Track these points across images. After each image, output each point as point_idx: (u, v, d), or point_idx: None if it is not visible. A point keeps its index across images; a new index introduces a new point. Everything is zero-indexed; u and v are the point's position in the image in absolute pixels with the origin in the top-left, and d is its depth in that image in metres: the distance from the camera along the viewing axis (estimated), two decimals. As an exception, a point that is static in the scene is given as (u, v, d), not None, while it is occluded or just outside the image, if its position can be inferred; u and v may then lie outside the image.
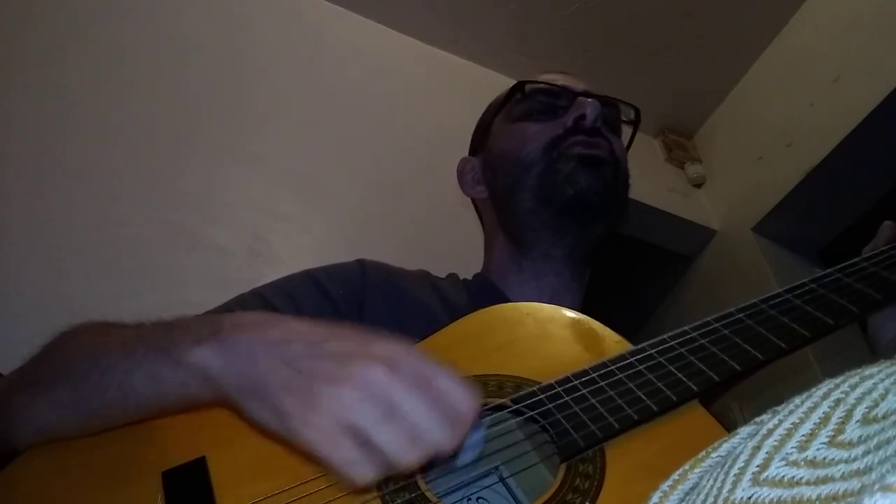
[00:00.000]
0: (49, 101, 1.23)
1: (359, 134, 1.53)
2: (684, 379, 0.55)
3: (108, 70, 1.31)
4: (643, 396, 0.54)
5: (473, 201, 0.99)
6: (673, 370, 0.56)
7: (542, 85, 0.90)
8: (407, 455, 0.41)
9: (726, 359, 0.57)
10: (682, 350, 0.58)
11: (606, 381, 0.56)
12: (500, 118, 0.93)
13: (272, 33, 1.56)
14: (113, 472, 0.51)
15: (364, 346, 0.44)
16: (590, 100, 0.84)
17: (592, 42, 1.82)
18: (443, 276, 0.90)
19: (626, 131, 0.94)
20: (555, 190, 0.80)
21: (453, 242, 1.31)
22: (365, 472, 0.41)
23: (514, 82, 0.93)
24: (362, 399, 0.41)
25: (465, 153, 1.02)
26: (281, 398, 0.43)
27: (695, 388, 0.55)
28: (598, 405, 0.54)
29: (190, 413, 0.52)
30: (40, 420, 0.52)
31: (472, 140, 1.00)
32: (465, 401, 0.44)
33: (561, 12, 1.74)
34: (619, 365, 0.58)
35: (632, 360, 0.58)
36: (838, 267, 0.66)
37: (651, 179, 1.91)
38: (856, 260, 0.67)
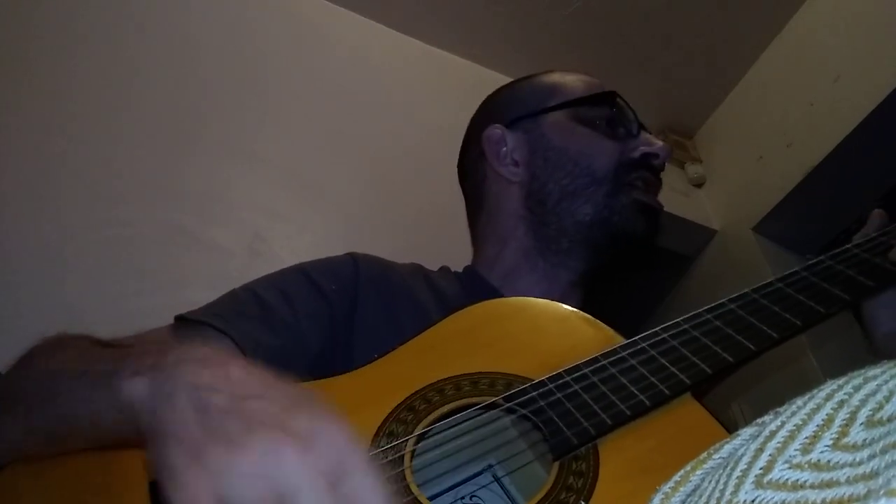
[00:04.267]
0: (50, 102, 1.23)
1: (359, 134, 1.53)
2: (677, 372, 0.55)
3: (110, 70, 1.31)
4: (636, 392, 0.54)
5: (483, 179, 0.90)
6: (665, 363, 0.56)
7: (622, 103, 0.86)
8: None
9: (719, 350, 0.56)
10: (675, 343, 0.58)
11: (598, 377, 0.55)
12: (564, 112, 0.86)
13: (273, 33, 1.56)
14: (100, 483, 0.50)
15: (288, 414, 0.38)
16: (661, 143, 0.84)
17: (592, 42, 1.82)
18: (435, 269, 0.89)
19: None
20: (611, 217, 0.80)
21: (453, 243, 1.31)
22: None
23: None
24: (252, 474, 0.35)
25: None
26: (170, 447, 0.37)
27: (687, 381, 0.54)
28: (590, 402, 0.53)
29: None
30: (7, 440, 0.52)
31: (510, 111, 0.90)
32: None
33: (561, 12, 1.74)
34: (610, 360, 0.57)
35: (623, 354, 0.58)
36: (830, 254, 0.65)
37: (651, 179, 1.91)
38: (847, 247, 0.66)
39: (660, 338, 0.59)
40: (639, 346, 0.58)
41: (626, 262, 0.84)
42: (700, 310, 0.61)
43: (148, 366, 0.44)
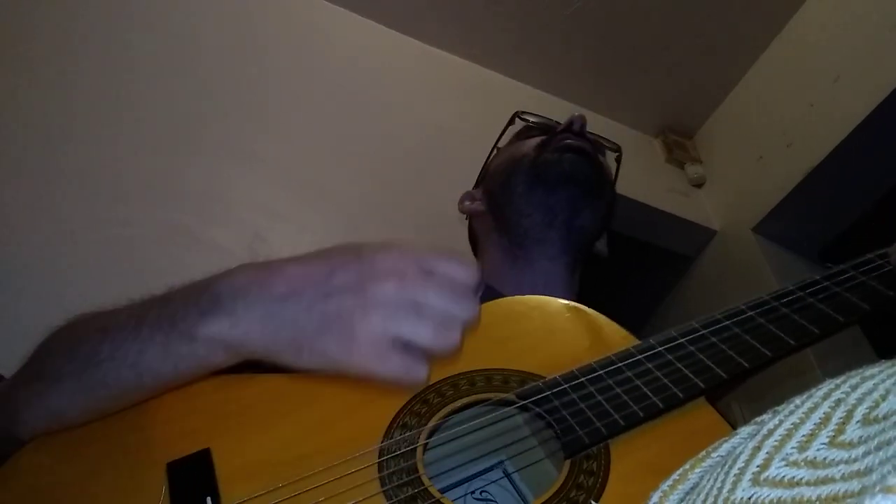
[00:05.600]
0: (51, 103, 1.23)
1: (359, 134, 1.53)
2: (691, 376, 0.55)
3: (110, 70, 1.31)
4: (649, 393, 0.54)
5: (469, 227, 1.04)
6: (680, 367, 0.56)
7: (534, 116, 1.02)
8: (447, 339, 0.47)
9: (734, 355, 0.56)
10: (690, 347, 0.58)
11: (612, 378, 0.56)
12: (499, 153, 1.02)
13: (273, 34, 1.56)
14: (117, 462, 0.51)
15: (366, 268, 0.48)
16: (577, 114, 0.95)
17: (592, 42, 1.82)
18: None
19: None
20: (544, 170, 0.87)
21: (453, 243, 1.31)
22: (420, 372, 0.46)
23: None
24: (390, 314, 0.46)
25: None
26: (319, 344, 0.46)
27: (701, 385, 0.54)
28: (603, 402, 0.53)
29: (195, 404, 0.53)
30: (54, 409, 0.52)
31: (476, 181, 1.08)
32: (466, 273, 0.49)
33: (561, 12, 1.74)
34: (625, 361, 0.57)
35: (638, 355, 0.58)
36: (851, 263, 0.65)
37: (651, 180, 1.91)
38: (869, 256, 0.66)
39: (675, 341, 0.59)
40: (653, 349, 0.58)
41: (585, 211, 0.88)
42: (716, 314, 0.61)
43: (209, 305, 0.49)
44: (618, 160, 1.02)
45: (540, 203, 0.86)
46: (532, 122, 1.02)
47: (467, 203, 1.01)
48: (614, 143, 1.03)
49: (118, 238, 1.15)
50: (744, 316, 0.60)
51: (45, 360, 0.55)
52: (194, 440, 0.51)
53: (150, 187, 1.24)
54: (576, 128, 0.94)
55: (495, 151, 1.04)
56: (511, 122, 1.04)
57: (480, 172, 1.05)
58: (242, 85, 1.45)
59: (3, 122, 1.17)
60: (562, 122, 0.97)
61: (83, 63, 1.29)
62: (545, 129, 1.00)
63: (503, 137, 1.06)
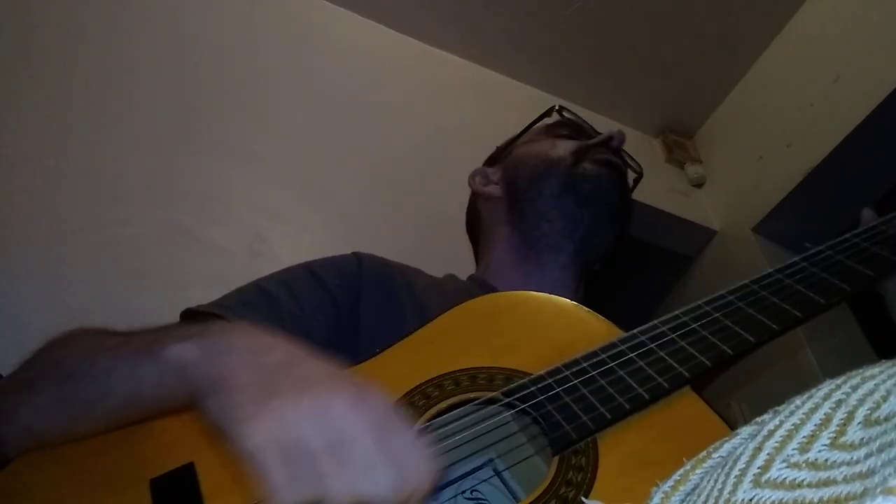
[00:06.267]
0: (51, 102, 1.23)
1: (359, 134, 1.53)
2: (675, 365, 0.55)
3: (110, 70, 1.31)
4: (634, 385, 0.53)
5: (472, 204, 1.00)
6: (664, 356, 0.56)
7: (572, 115, 1.01)
8: (340, 494, 0.38)
9: (718, 343, 0.56)
10: (673, 335, 0.58)
11: (597, 371, 0.55)
12: (527, 135, 0.99)
13: (273, 34, 1.56)
14: (100, 480, 0.50)
15: (335, 377, 0.43)
16: (617, 129, 0.94)
17: (592, 42, 1.82)
18: (440, 276, 0.90)
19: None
20: (581, 182, 0.86)
21: (453, 243, 1.31)
22: (288, 498, 0.37)
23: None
24: (314, 421, 0.39)
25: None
26: (236, 395, 0.41)
27: (686, 374, 0.54)
28: (589, 395, 0.53)
29: (178, 418, 0.52)
30: (28, 422, 0.52)
31: (491, 156, 1.04)
32: (421, 466, 0.40)
33: (561, 12, 1.74)
34: (609, 353, 0.57)
35: (622, 347, 0.57)
36: (829, 244, 0.64)
37: (651, 179, 1.89)
38: (846, 236, 0.66)
39: (658, 331, 0.59)
40: (638, 340, 0.58)
41: (605, 231, 0.88)
42: (699, 302, 0.61)
43: (193, 334, 0.47)
44: (636, 182, 1.02)
45: (566, 212, 0.86)
46: (568, 119, 1.01)
47: (479, 180, 0.98)
48: (639, 166, 1.02)
49: (118, 238, 1.15)
50: (725, 301, 0.60)
51: (32, 370, 0.55)
52: (178, 454, 0.51)
53: (150, 187, 1.23)
54: (614, 144, 0.93)
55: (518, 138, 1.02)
56: (548, 113, 1.03)
57: (496, 153, 1.02)
58: (242, 85, 1.45)
59: (3, 122, 1.17)
60: (596, 128, 0.97)
61: (83, 63, 1.29)
62: (577, 129, 0.98)
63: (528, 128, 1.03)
